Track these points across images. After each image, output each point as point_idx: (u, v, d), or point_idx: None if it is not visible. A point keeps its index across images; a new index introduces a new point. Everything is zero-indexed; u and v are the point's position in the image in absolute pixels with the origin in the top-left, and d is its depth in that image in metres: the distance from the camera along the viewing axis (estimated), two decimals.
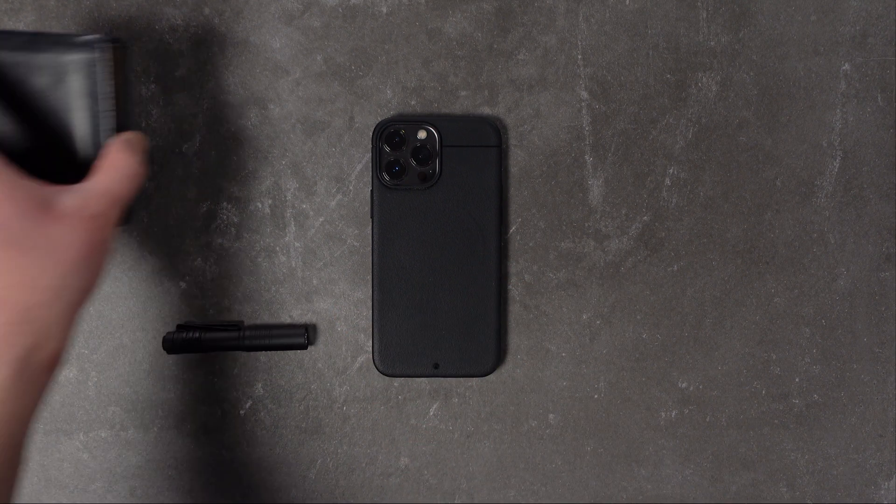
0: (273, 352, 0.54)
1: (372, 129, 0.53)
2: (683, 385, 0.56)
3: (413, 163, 0.53)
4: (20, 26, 0.53)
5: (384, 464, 0.55)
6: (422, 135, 0.53)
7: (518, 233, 0.55)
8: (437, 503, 0.56)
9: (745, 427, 0.56)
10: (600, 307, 0.55)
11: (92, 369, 0.54)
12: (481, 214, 0.53)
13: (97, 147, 0.43)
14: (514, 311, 0.55)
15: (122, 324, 0.54)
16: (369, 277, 0.54)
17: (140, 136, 0.44)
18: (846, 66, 0.55)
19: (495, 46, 0.54)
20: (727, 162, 0.55)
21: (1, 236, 0.38)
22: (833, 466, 0.57)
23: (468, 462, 0.56)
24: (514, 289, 0.55)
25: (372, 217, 0.53)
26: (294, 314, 0.55)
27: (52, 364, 0.40)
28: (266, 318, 0.54)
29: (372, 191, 0.53)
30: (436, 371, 0.54)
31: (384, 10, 0.54)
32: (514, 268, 0.55)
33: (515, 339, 0.55)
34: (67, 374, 0.54)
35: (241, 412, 0.55)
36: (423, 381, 0.55)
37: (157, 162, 0.54)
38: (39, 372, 0.39)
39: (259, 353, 0.55)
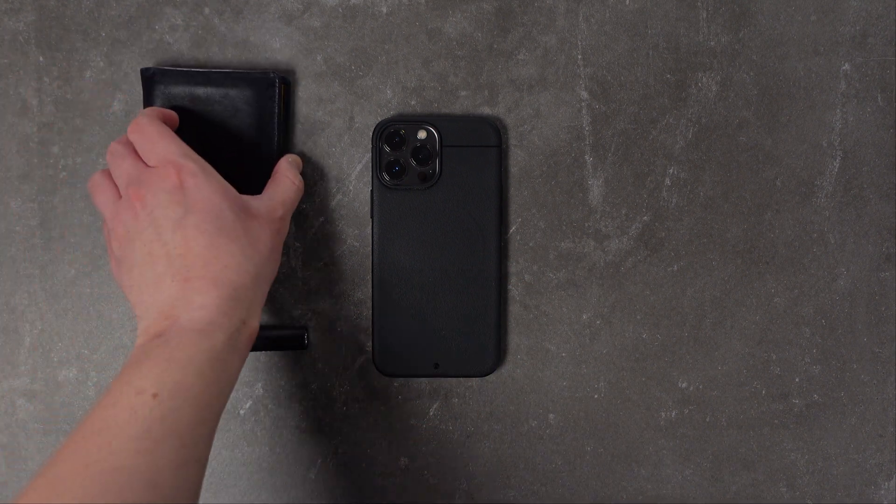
0: (273, 352, 0.54)
1: (372, 129, 0.53)
2: (683, 385, 0.56)
3: (413, 163, 0.53)
4: (20, 26, 0.53)
5: (384, 464, 0.55)
6: (422, 135, 0.53)
7: (518, 233, 0.55)
8: (437, 503, 0.56)
9: (745, 427, 0.56)
10: (600, 307, 0.55)
11: (92, 369, 0.54)
12: (481, 214, 0.53)
13: (269, 164, 0.52)
14: (514, 311, 0.55)
15: (122, 324, 0.54)
16: (369, 277, 0.54)
17: (299, 157, 0.53)
18: (846, 66, 0.55)
19: (495, 46, 0.54)
20: (727, 162, 0.55)
21: (217, 224, 0.44)
22: (833, 466, 0.57)
23: (468, 462, 0.56)
24: (514, 289, 0.55)
25: (372, 217, 0.53)
26: (294, 314, 0.55)
27: (251, 339, 0.45)
28: (266, 319, 0.54)
29: (372, 191, 0.53)
30: (436, 371, 0.54)
31: (384, 10, 0.54)
32: (514, 268, 0.55)
33: (515, 339, 0.55)
34: (67, 374, 0.54)
35: (241, 412, 0.55)
36: (423, 381, 0.55)
37: None
38: (243, 345, 0.44)
39: (259, 353, 0.55)
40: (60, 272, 0.54)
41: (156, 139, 0.46)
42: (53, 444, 0.54)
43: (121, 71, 0.53)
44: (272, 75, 0.51)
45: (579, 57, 0.54)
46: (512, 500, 0.56)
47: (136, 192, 0.45)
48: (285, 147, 0.53)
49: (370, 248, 0.54)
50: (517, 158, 0.55)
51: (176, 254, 0.43)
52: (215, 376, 0.42)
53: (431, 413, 0.55)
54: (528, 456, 0.56)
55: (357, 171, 0.54)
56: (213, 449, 0.55)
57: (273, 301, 0.54)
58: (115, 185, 0.48)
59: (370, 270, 0.54)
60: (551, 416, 0.56)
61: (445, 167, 0.53)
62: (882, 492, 0.57)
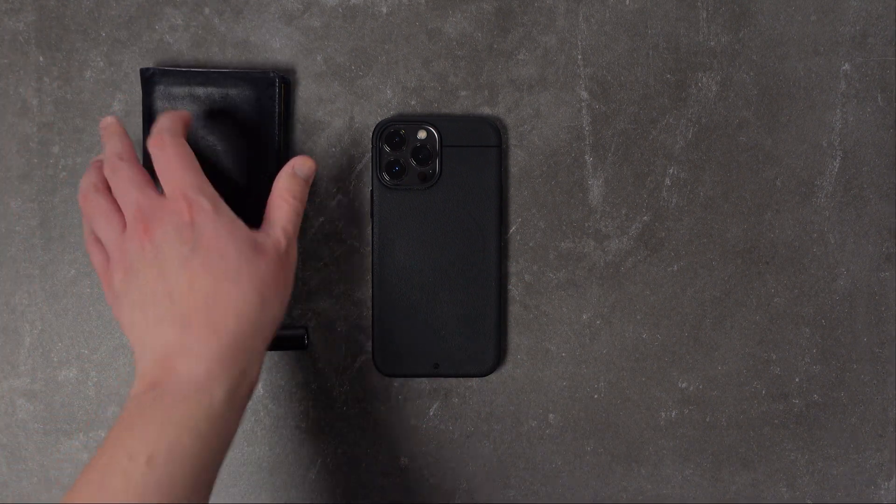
0: (273, 352, 0.54)
1: (372, 129, 0.53)
2: (683, 385, 0.56)
3: (413, 163, 0.53)
4: (20, 26, 0.53)
5: (384, 464, 0.55)
6: (422, 135, 0.53)
7: (518, 233, 0.55)
8: (437, 503, 0.56)
9: (745, 427, 0.56)
10: (600, 307, 0.55)
11: (92, 369, 0.54)
12: (481, 214, 0.53)
13: (269, 164, 0.51)
14: (514, 311, 0.55)
15: None
16: (369, 277, 0.54)
17: (306, 162, 0.49)
18: (846, 66, 0.55)
19: (495, 46, 0.54)
20: (727, 162, 0.55)
21: (223, 266, 0.42)
22: (833, 466, 0.57)
23: (468, 462, 0.56)
24: (514, 289, 0.55)
25: (372, 217, 0.53)
26: (294, 314, 0.55)
27: (250, 393, 0.43)
28: None
29: (372, 191, 0.53)
30: (436, 371, 0.54)
31: (384, 10, 0.54)
32: (514, 268, 0.55)
33: (515, 339, 0.55)
34: (67, 374, 0.54)
35: None
36: (423, 381, 0.55)
37: None
38: (242, 399, 0.42)
39: None
40: (60, 272, 0.54)
41: (175, 165, 0.44)
42: (53, 444, 0.54)
43: (121, 71, 0.53)
44: (272, 75, 0.51)
45: (579, 57, 0.54)
46: (512, 500, 0.56)
47: (145, 227, 0.43)
48: (285, 147, 0.53)
49: (370, 248, 0.54)
50: (517, 158, 0.55)
51: (178, 293, 0.42)
52: (213, 435, 0.40)
53: (431, 413, 0.55)
54: (528, 456, 0.56)
55: (357, 171, 0.54)
56: None
57: None
58: (118, 209, 0.45)
59: (370, 270, 0.54)
60: (551, 416, 0.56)
61: (445, 167, 0.53)
62: (882, 492, 0.57)
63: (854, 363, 0.56)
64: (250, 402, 0.55)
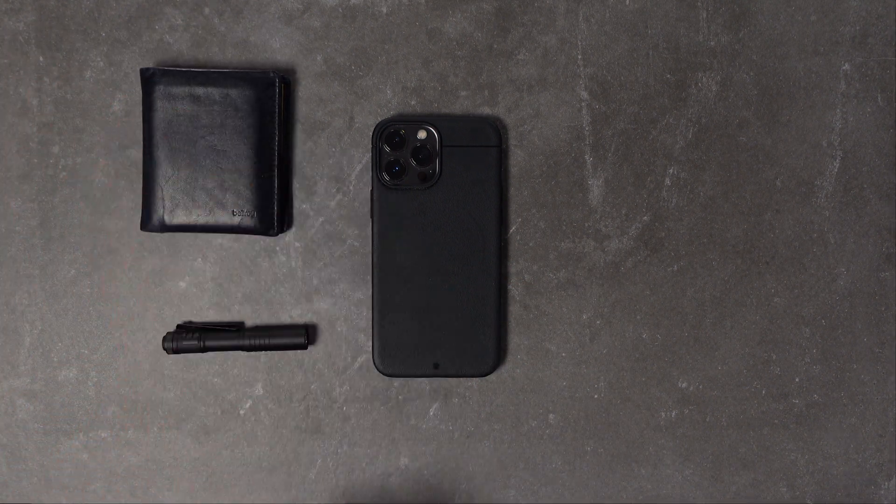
0: (273, 352, 0.54)
1: (372, 129, 0.53)
2: (683, 385, 0.56)
3: (413, 163, 0.53)
4: (20, 26, 0.53)
5: (384, 464, 0.55)
6: (422, 135, 0.53)
7: (518, 233, 0.55)
8: (437, 503, 0.56)
9: (745, 427, 0.56)
10: (600, 307, 0.55)
11: (92, 369, 0.54)
12: (481, 214, 0.53)
13: (270, 163, 0.52)
14: (514, 311, 0.55)
15: (122, 324, 0.54)
16: (369, 277, 0.54)
17: None
18: (846, 66, 0.55)
19: (495, 46, 0.54)
20: (727, 162, 0.55)
21: None
22: (833, 466, 0.57)
23: (468, 462, 0.56)
24: (514, 289, 0.55)
25: (372, 217, 0.53)
26: (294, 314, 0.55)
27: None
28: (266, 318, 0.54)
29: (372, 191, 0.53)
30: (436, 371, 0.54)
31: (384, 10, 0.54)
32: (514, 268, 0.55)
33: (515, 339, 0.55)
34: (67, 374, 0.54)
35: (241, 412, 0.55)
36: (423, 381, 0.55)
37: None
38: None
39: (259, 353, 0.55)
40: (60, 272, 0.54)
41: None
42: (53, 444, 0.54)
43: (121, 71, 0.53)
44: (272, 75, 0.51)
45: (579, 57, 0.54)
46: (512, 500, 0.56)
47: None
48: (285, 147, 0.53)
49: (370, 248, 0.54)
50: (517, 158, 0.55)
51: None
52: None
53: (431, 413, 0.55)
54: (528, 456, 0.56)
55: (357, 171, 0.54)
56: (212, 449, 0.55)
57: (273, 301, 0.54)
58: None
59: (370, 270, 0.54)
60: (551, 416, 0.56)
61: (445, 167, 0.53)
62: (882, 492, 0.57)
63: (854, 363, 0.56)
64: (250, 402, 0.55)
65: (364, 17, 0.54)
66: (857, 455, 0.57)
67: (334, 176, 0.54)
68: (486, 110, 0.54)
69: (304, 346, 0.53)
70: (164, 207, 0.51)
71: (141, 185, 0.53)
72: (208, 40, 0.53)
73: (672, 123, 0.55)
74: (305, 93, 0.54)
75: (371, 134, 0.53)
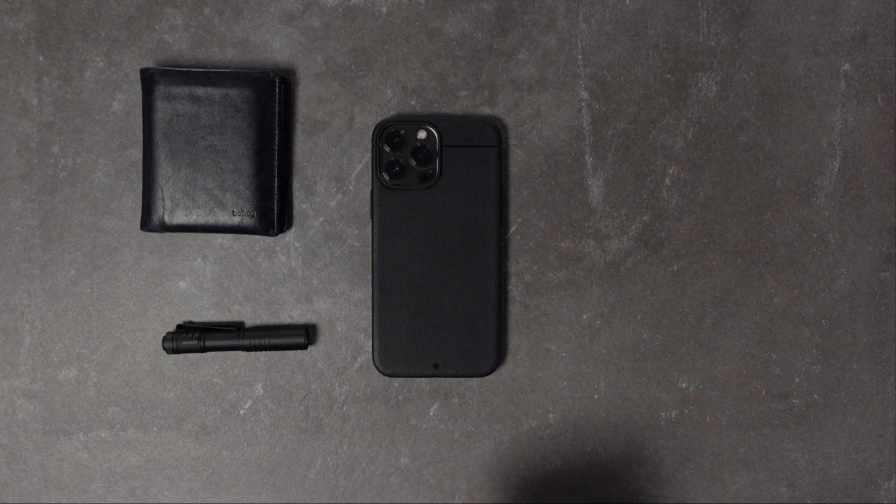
0: (273, 352, 0.54)
1: (372, 129, 0.53)
2: (683, 385, 0.56)
3: (413, 163, 0.53)
4: (20, 26, 0.53)
5: (384, 464, 0.55)
6: (422, 135, 0.53)
7: (518, 233, 0.55)
8: (437, 503, 0.56)
9: (745, 427, 0.56)
10: (600, 307, 0.55)
11: (92, 369, 0.54)
12: (481, 214, 0.53)
13: (270, 164, 0.52)
14: (514, 311, 0.55)
15: (122, 324, 0.54)
16: (369, 277, 0.54)
17: None
18: (846, 66, 0.55)
19: (495, 46, 0.54)
20: (727, 162, 0.55)
21: None
22: (833, 466, 0.57)
23: (468, 462, 0.56)
24: (514, 289, 0.55)
25: (372, 217, 0.53)
26: (294, 314, 0.55)
27: None
28: (266, 318, 0.54)
29: (372, 191, 0.53)
30: (436, 371, 0.54)
31: (384, 10, 0.54)
32: (514, 268, 0.55)
33: (515, 339, 0.55)
34: (67, 374, 0.54)
35: (241, 412, 0.55)
36: (423, 381, 0.55)
37: None
38: None
39: (259, 353, 0.55)
40: (60, 272, 0.54)
41: None
42: (53, 444, 0.54)
43: (121, 71, 0.53)
44: (272, 75, 0.51)
45: (579, 57, 0.54)
46: (512, 500, 0.56)
47: None
48: (285, 147, 0.53)
49: (370, 248, 0.54)
50: (517, 158, 0.55)
51: None
52: None
53: (431, 413, 0.55)
54: (528, 456, 0.56)
55: (357, 171, 0.54)
56: (212, 449, 0.55)
57: (273, 301, 0.54)
58: None
59: (370, 270, 0.54)
60: (551, 416, 0.56)
61: (445, 167, 0.53)
62: (882, 492, 0.57)
63: (854, 363, 0.56)
64: (250, 402, 0.55)
65: (364, 17, 0.54)
66: (857, 455, 0.57)
67: (334, 176, 0.54)
68: (486, 110, 0.54)
69: (303, 346, 0.53)
70: (163, 207, 0.51)
71: (141, 185, 0.54)
72: (208, 40, 0.53)
73: (672, 123, 0.55)
74: (305, 93, 0.54)
75: (371, 134, 0.53)
